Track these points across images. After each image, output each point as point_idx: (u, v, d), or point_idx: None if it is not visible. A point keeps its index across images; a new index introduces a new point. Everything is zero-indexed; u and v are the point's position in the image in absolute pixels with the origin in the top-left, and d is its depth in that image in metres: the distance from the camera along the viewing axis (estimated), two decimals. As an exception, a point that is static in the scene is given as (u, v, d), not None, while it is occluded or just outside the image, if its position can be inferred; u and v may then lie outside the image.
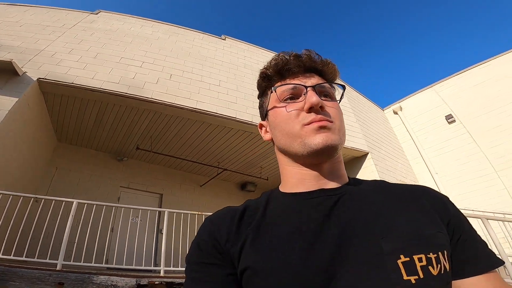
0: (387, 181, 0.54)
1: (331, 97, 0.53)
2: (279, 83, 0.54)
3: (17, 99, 3.58)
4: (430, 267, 0.37)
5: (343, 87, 0.56)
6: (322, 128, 0.46)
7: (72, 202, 3.27)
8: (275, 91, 0.52)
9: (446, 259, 0.39)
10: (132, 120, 4.89)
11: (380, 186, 0.51)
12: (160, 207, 6.08)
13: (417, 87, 9.37)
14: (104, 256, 3.94)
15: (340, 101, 0.55)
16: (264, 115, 0.59)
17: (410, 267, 0.36)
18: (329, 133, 0.47)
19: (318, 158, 0.48)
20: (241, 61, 6.17)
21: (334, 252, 0.38)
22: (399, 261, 0.36)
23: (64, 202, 3.36)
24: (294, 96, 0.51)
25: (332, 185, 0.49)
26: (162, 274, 3.18)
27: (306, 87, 0.50)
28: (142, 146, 5.38)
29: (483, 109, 7.24)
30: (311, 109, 0.48)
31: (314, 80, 0.52)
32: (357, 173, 6.44)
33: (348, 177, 0.53)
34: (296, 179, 0.50)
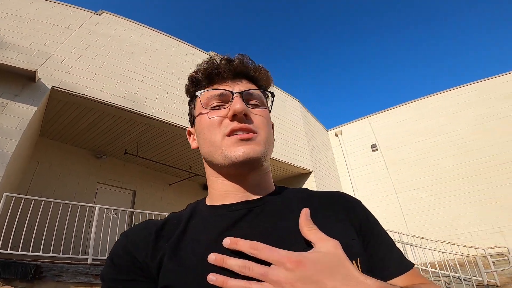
0: (308, 188, 0.55)
1: (261, 105, 0.51)
2: (214, 86, 0.51)
3: (36, 108, 3.92)
4: None
5: (272, 95, 0.54)
6: (244, 140, 0.45)
7: (95, 207, 3.89)
8: (199, 97, 0.50)
9: (359, 267, 0.39)
10: (126, 128, 5.43)
11: (301, 194, 0.51)
12: (134, 203, 6.69)
13: (359, 115, 11.43)
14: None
15: (270, 109, 0.54)
16: (192, 121, 0.57)
17: None
18: (252, 145, 0.45)
19: (240, 171, 0.47)
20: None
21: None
22: None
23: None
24: (222, 102, 0.49)
25: (256, 196, 0.48)
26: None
27: (232, 93, 0.48)
28: (129, 151, 5.91)
29: (398, 144, 9.62)
30: (234, 117, 0.46)
31: (243, 86, 0.50)
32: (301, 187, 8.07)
33: (275, 185, 0.53)
34: (221, 192, 0.49)
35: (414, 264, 0.47)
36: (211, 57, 0.53)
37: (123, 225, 5.20)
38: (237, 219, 0.44)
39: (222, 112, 0.48)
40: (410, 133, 9.57)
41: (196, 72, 0.53)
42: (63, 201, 3.69)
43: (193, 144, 0.56)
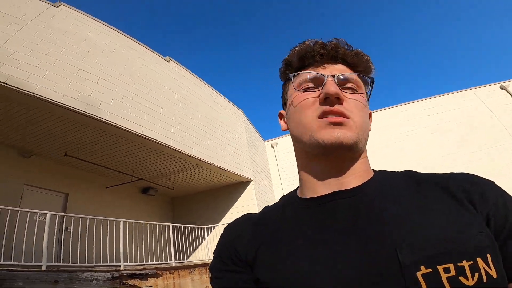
0: (416, 171, 0.48)
1: (358, 90, 0.48)
2: (309, 70, 0.50)
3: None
4: (461, 278, 0.32)
5: (372, 80, 0.50)
6: (335, 124, 0.43)
7: (46, 213, 3.68)
8: (292, 78, 0.50)
9: (491, 264, 0.33)
10: (70, 129, 5.12)
11: (407, 179, 0.45)
12: (66, 207, 6.18)
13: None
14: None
15: (369, 96, 0.51)
16: (284, 103, 0.56)
17: (433, 280, 0.32)
18: (343, 129, 0.43)
19: (330, 156, 0.44)
20: (178, 89, 7.23)
21: (346, 266, 0.35)
22: (418, 273, 0.32)
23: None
24: (314, 86, 0.48)
25: (350, 184, 0.44)
26: (122, 268, 4.11)
27: (325, 76, 0.46)
28: (69, 152, 5.52)
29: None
30: (326, 99, 0.44)
31: (337, 71, 0.48)
32: (239, 197, 8.73)
33: (375, 171, 0.49)
34: (311, 180, 0.47)
35: None
36: (305, 41, 0.51)
37: (53, 229, 4.87)
38: (329, 212, 0.42)
39: (314, 94, 0.47)
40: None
41: (290, 55, 0.52)
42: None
43: (283, 126, 0.56)
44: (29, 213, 3.94)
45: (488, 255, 0.34)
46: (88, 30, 5.61)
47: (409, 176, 0.47)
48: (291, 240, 0.42)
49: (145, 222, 5.14)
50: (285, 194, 0.54)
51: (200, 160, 6.81)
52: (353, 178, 0.45)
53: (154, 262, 5.02)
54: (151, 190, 8.54)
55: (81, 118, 4.72)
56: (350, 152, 0.44)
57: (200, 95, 8.04)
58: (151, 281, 3.98)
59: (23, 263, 3.26)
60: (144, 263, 4.92)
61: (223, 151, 7.83)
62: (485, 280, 0.32)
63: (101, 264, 4.16)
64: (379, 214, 0.40)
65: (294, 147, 0.53)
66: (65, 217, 5.37)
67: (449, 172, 0.45)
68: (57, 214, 4.32)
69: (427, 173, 0.47)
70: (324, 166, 0.46)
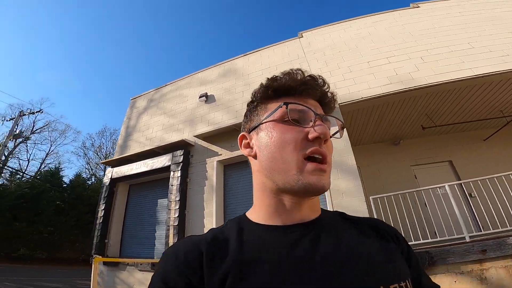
0: (345, 212, 0.55)
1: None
2: (289, 100, 0.48)
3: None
4: None
5: (343, 126, 0.53)
6: (321, 170, 0.44)
7: (444, 186, 4.16)
8: (287, 108, 0.47)
9: (410, 285, 0.43)
10: (408, 108, 5.44)
11: (343, 219, 0.52)
12: (457, 173, 6.21)
13: None
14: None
15: (331, 137, 0.50)
16: (251, 127, 0.53)
17: None
18: (325, 177, 0.45)
19: (306, 196, 0.45)
20: (452, 19, 5.43)
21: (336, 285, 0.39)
22: None
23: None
24: (299, 120, 0.47)
25: (308, 218, 0.47)
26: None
27: (316, 114, 0.47)
28: (425, 125, 5.87)
29: None
30: (316, 139, 0.45)
31: (320, 110, 0.49)
32: None
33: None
34: (272, 209, 0.48)
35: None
36: (293, 69, 0.50)
37: (458, 198, 4.85)
38: (297, 240, 0.44)
39: (303, 131, 0.46)
40: None
41: (278, 78, 0.50)
42: (409, 191, 4.25)
43: (247, 151, 0.52)
44: (430, 189, 4.31)
45: (409, 279, 0.44)
46: (336, 35, 6.08)
47: (343, 216, 0.54)
48: (265, 270, 0.40)
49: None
50: (231, 218, 0.52)
51: None
52: (311, 212, 0.49)
53: None
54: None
55: (404, 95, 4.85)
56: (320, 194, 0.47)
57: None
58: None
59: (447, 237, 3.65)
60: None
61: None
62: None
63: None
64: (338, 246, 0.45)
65: (258, 174, 0.50)
66: (462, 184, 5.35)
67: (371, 217, 0.56)
68: (454, 184, 4.37)
69: (352, 216, 0.54)
70: (294, 200, 0.47)
